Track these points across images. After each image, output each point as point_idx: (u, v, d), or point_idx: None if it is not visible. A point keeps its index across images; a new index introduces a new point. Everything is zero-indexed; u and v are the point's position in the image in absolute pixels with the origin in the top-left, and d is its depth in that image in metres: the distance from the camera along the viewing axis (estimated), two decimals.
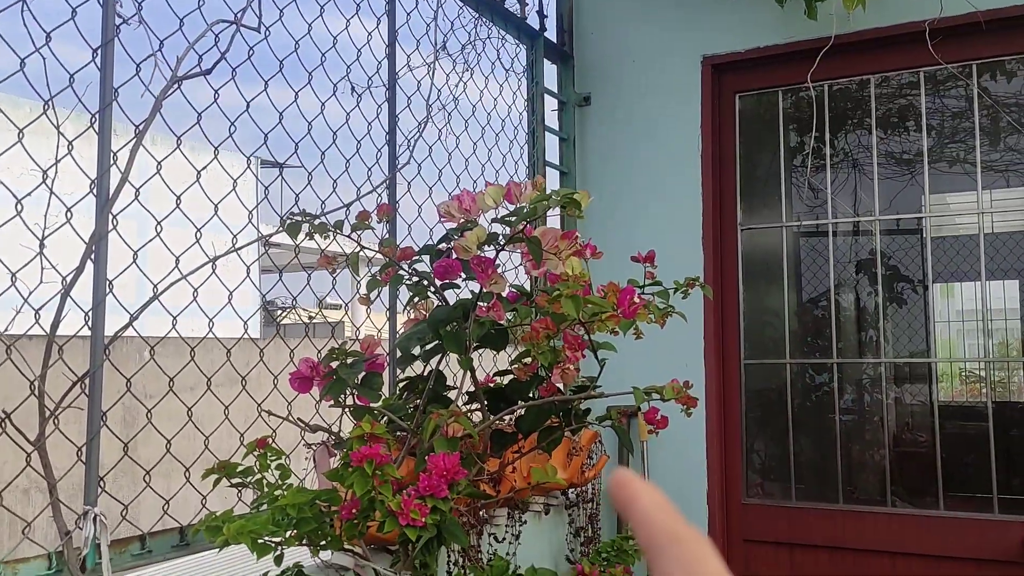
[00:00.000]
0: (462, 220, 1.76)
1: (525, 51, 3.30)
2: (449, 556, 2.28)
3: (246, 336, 2.07)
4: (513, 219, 1.67)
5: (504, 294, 1.92)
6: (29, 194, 1.50)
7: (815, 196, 3.80)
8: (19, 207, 1.50)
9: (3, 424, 1.47)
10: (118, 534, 1.68)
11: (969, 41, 3.07)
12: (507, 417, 2.09)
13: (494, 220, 1.73)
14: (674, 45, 3.48)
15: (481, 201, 1.64)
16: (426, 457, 1.54)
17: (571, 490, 2.99)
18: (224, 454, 1.84)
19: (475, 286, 1.90)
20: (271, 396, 2.03)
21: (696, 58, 3.42)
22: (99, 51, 1.66)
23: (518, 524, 2.65)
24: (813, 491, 3.38)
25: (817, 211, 3.74)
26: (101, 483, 1.63)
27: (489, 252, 1.75)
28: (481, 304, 1.83)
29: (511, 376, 2.11)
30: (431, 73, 2.65)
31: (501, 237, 1.74)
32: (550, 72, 3.47)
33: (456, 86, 2.82)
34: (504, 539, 2.57)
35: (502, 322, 1.92)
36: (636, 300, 1.61)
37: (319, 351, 1.94)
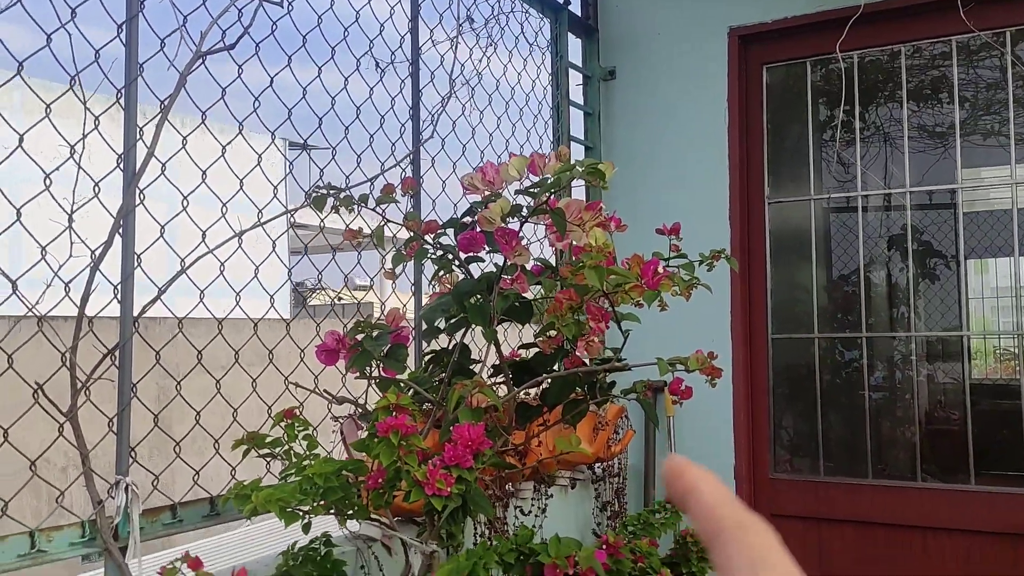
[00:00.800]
0: (486, 192, 1.76)
1: (549, 25, 3.28)
2: (476, 528, 2.30)
3: (273, 313, 2.09)
4: (537, 190, 1.67)
5: (528, 267, 1.91)
6: (57, 168, 1.52)
7: (845, 171, 3.75)
8: (48, 182, 1.52)
9: (36, 396, 1.50)
10: (151, 504, 1.71)
11: (1003, 7, 3.01)
12: (533, 390, 2.10)
13: (518, 192, 1.73)
14: (700, 16, 3.44)
15: (505, 172, 1.64)
16: (451, 427, 1.55)
17: (597, 465, 2.99)
18: (254, 429, 1.86)
19: (499, 259, 1.91)
20: (299, 374, 2.04)
21: (723, 29, 3.38)
22: (123, 27, 1.67)
23: (544, 498, 2.66)
24: (842, 467, 3.36)
25: (847, 186, 3.69)
26: (132, 454, 1.66)
27: (513, 224, 1.75)
28: (505, 276, 1.83)
29: (536, 349, 2.11)
30: (454, 48, 2.64)
31: (525, 209, 1.73)
32: (575, 46, 3.45)
33: (480, 61, 2.81)
34: (530, 512, 2.58)
35: (526, 295, 1.92)
36: (660, 271, 1.60)
37: (345, 326, 1.96)
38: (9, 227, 1.48)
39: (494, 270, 1.96)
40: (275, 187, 2.03)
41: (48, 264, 1.51)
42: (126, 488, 1.60)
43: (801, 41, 3.34)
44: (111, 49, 1.68)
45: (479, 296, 1.92)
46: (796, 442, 3.58)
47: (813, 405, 3.34)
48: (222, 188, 1.89)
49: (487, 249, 1.85)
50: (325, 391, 1.91)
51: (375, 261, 2.53)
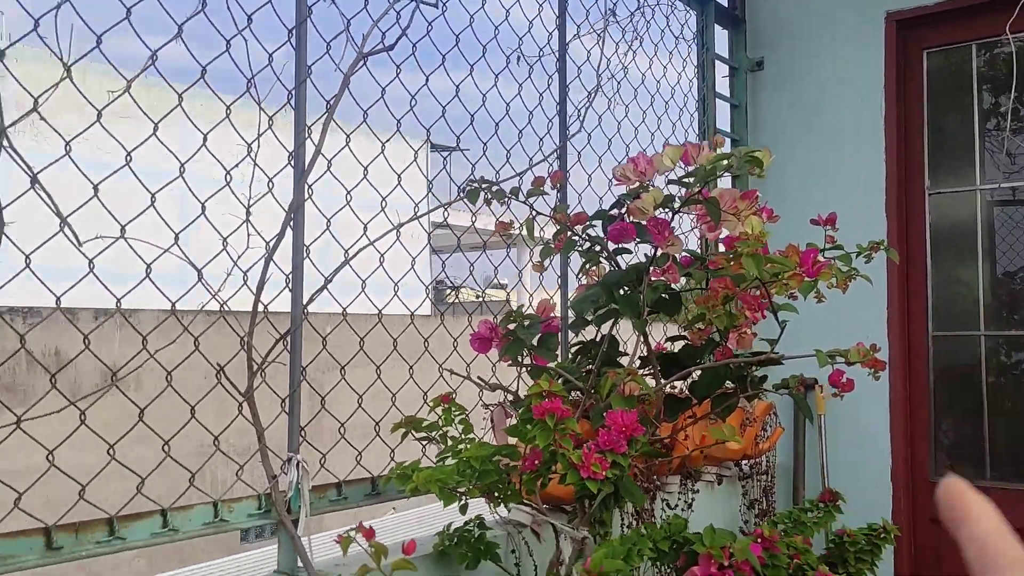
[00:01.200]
0: (636, 183, 1.77)
1: (695, 16, 3.24)
2: (623, 519, 2.30)
3: (420, 311, 2.16)
4: (689, 180, 1.66)
5: (678, 258, 1.91)
6: (236, 165, 1.63)
7: (1011, 161, 3.53)
8: (228, 178, 1.64)
9: (218, 377, 1.62)
10: (317, 482, 1.81)
11: None
12: (679, 384, 2.08)
13: (670, 182, 1.73)
14: (854, 2, 3.31)
15: (658, 162, 1.64)
16: (604, 414, 1.56)
17: (744, 462, 2.94)
18: (408, 416, 1.94)
19: (646, 251, 1.91)
20: (447, 367, 2.11)
21: (879, 14, 3.25)
22: (293, 31, 1.78)
23: (690, 492, 2.64)
24: (1009, 472, 3.16)
25: (1014, 177, 3.47)
26: (302, 433, 1.76)
27: (664, 215, 1.75)
28: (655, 267, 1.83)
29: (684, 342, 2.10)
30: (601, 42, 2.65)
31: (677, 199, 1.73)
32: (721, 37, 3.39)
33: (625, 54, 2.82)
34: (676, 506, 2.56)
35: (676, 286, 1.91)
36: (820, 260, 1.56)
37: (495, 316, 2.01)
38: (194, 220, 1.60)
39: (641, 262, 1.96)
40: (430, 182, 2.11)
41: (229, 255, 1.62)
42: (297, 464, 1.70)
43: (966, 24, 3.17)
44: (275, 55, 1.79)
45: (627, 287, 1.93)
46: (958, 445, 3.39)
47: (978, 406, 3.15)
48: (367, 188, 1.96)
49: (637, 240, 1.86)
50: (479, 378, 1.97)
51: (515, 259, 2.58)
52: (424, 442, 1.92)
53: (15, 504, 1.31)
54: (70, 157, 1.35)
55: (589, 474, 1.39)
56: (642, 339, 1.97)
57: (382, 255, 1.95)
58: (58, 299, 1.36)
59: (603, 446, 1.44)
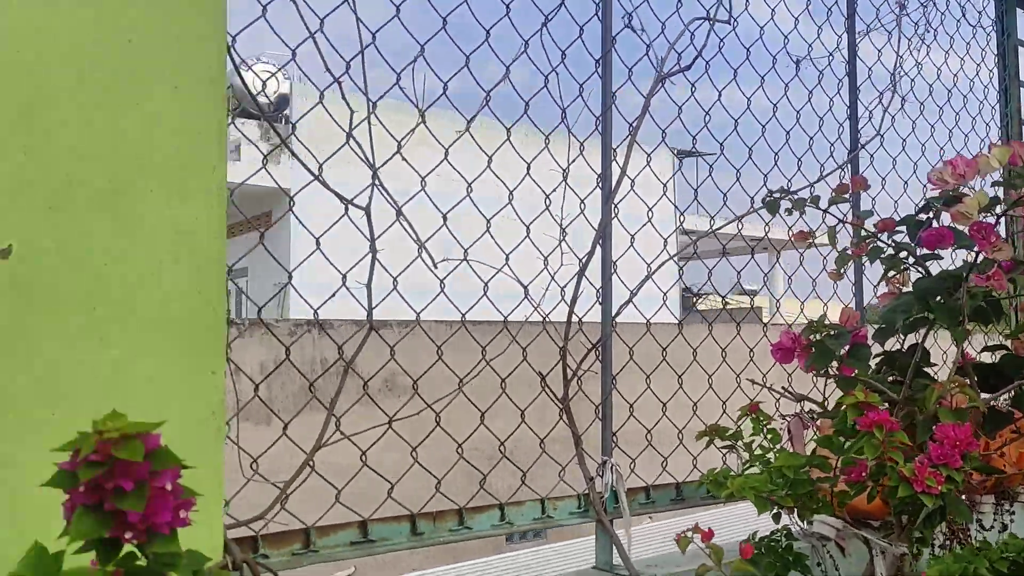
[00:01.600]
0: (953, 186, 1.70)
1: (993, 1, 3.02)
2: (934, 538, 2.20)
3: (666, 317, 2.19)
4: (1018, 181, 1.58)
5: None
6: (554, 190, 1.77)
7: None
8: (548, 202, 1.78)
9: (542, 384, 1.76)
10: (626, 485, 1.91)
11: None
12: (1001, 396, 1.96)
13: (994, 183, 1.65)
14: None
15: (983, 163, 1.58)
16: (931, 427, 1.52)
17: None
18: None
19: (958, 256, 1.82)
20: (726, 374, 2.13)
21: None
22: (599, 62, 1.89)
23: (1006, 514, 2.46)
24: None
25: None
26: (614, 438, 1.86)
27: (989, 219, 1.67)
28: (976, 273, 1.75)
29: (1004, 352, 1.98)
30: (895, 40, 2.55)
31: (1002, 202, 1.65)
32: (1022, 21, 3.13)
33: (917, 49, 2.69)
34: (991, 528, 2.40)
35: (999, 293, 1.81)
36: None
37: (791, 327, 2.00)
38: (520, 244, 1.74)
39: (951, 268, 1.88)
40: (724, 193, 2.15)
41: (549, 272, 1.76)
42: (611, 468, 1.80)
43: None
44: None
45: (942, 295, 1.85)
46: None
47: None
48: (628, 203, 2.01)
49: (954, 246, 1.79)
50: (783, 388, 1.98)
51: (765, 267, 2.56)
52: (724, 451, 1.96)
53: (388, 494, 1.51)
54: (425, 192, 1.54)
55: (923, 488, 1.37)
56: (954, 350, 1.89)
57: (682, 267, 2.01)
58: (418, 315, 1.55)
59: (936, 460, 1.40)
